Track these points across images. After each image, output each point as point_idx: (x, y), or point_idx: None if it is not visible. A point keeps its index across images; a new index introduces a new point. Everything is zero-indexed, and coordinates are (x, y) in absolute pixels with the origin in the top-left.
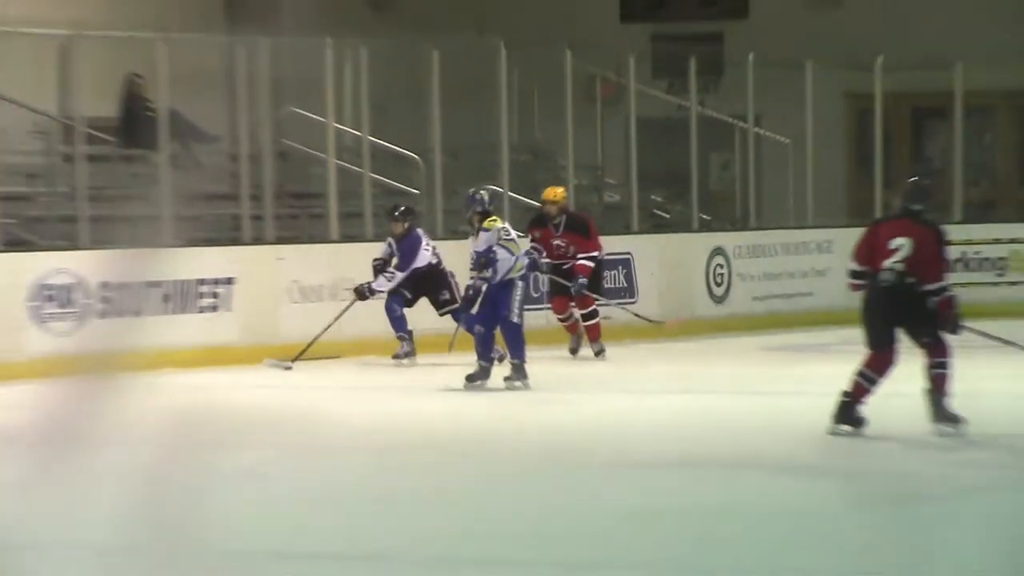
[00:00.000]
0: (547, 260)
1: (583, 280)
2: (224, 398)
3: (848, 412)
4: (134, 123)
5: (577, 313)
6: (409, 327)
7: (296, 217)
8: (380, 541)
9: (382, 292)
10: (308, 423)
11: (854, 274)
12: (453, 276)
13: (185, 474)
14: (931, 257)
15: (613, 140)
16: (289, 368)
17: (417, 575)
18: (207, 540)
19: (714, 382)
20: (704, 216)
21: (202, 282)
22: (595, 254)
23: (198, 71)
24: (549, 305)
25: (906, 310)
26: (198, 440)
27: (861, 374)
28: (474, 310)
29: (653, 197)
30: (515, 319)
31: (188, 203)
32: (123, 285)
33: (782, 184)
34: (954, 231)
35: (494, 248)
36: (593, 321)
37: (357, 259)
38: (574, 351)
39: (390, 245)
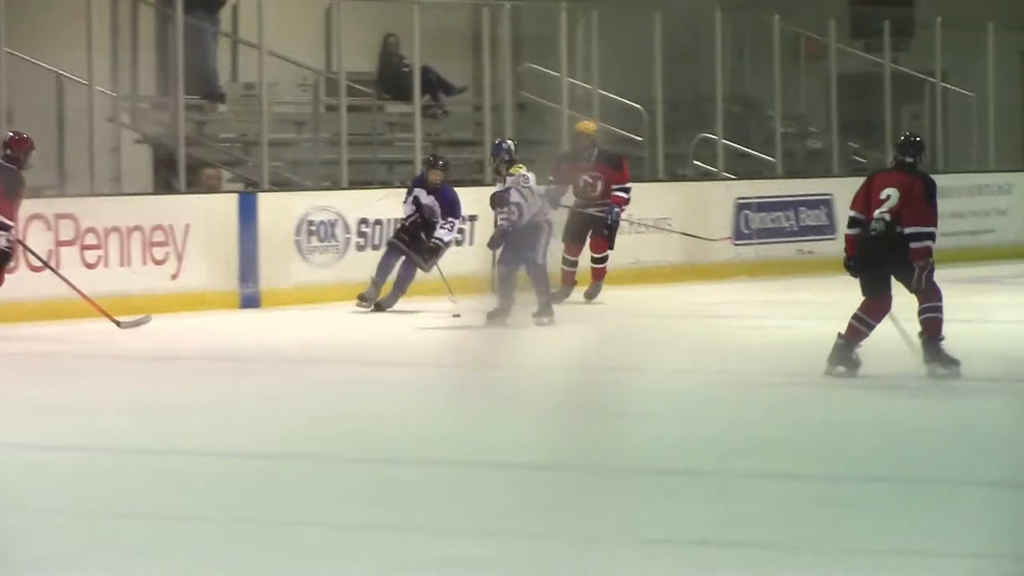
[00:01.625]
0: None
1: (618, 210)
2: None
3: (844, 354)
4: (390, 77)
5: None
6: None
7: (533, 161)
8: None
9: (449, 244)
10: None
11: (850, 221)
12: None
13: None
14: (917, 206)
15: (815, 93)
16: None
17: None
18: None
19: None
20: None
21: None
22: (629, 186)
23: (447, 32)
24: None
25: (895, 258)
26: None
27: (857, 318)
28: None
29: (851, 144)
30: (540, 260)
31: (437, 148)
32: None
33: (966, 133)
34: None
35: (511, 190)
36: (602, 265)
37: None
38: (557, 298)
39: (416, 201)
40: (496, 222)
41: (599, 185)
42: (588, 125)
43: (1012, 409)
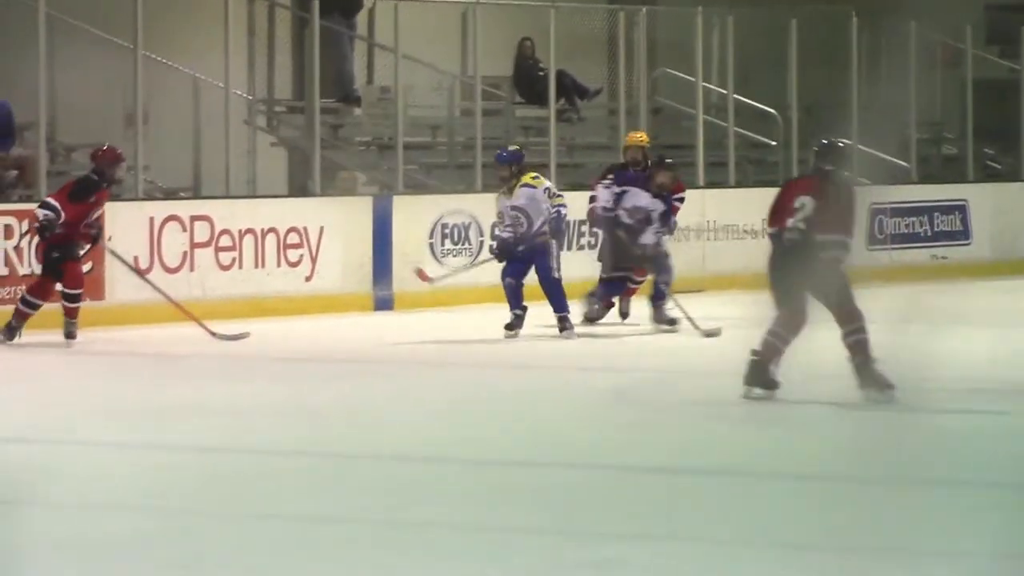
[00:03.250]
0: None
1: (675, 220)
2: None
3: (760, 373)
4: (525, 81)
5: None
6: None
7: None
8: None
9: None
10: None
11: (770, 236)
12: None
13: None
14: (831, 213)
15: (951, 99)
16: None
17: None
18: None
19: None
20: None
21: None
22: (683, 195)
23: (582, 36)
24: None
25: (808, 270)
26: None
27: (772, 333)
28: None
29: (986, 150)
30: (556, 275)
31: (572, 152)
32: None
33: None
34: None
35: (532, 199)
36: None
37: (720, 203)
38: (624, 314)
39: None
40: (495, 233)
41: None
42: (639, 135)
43: None
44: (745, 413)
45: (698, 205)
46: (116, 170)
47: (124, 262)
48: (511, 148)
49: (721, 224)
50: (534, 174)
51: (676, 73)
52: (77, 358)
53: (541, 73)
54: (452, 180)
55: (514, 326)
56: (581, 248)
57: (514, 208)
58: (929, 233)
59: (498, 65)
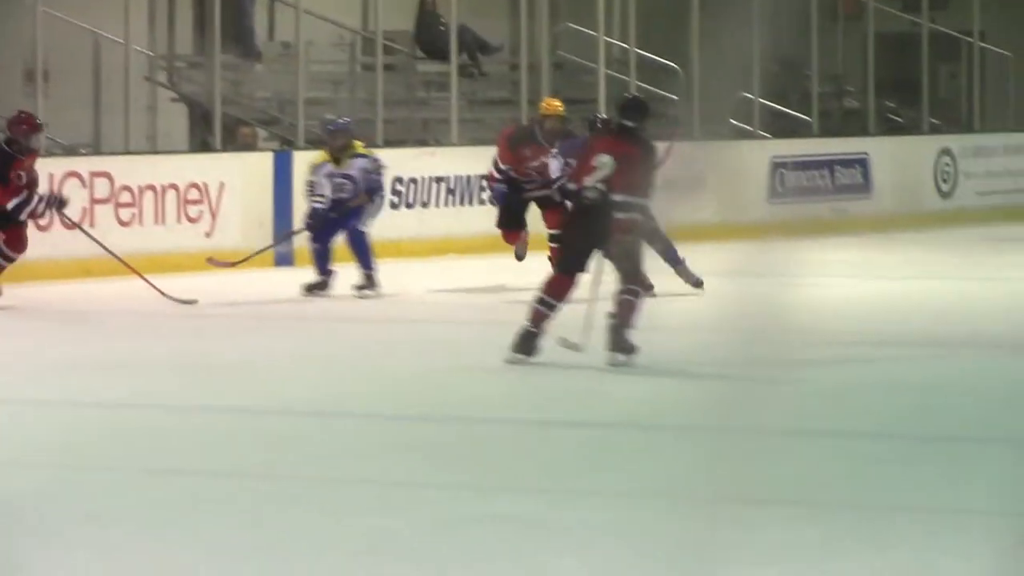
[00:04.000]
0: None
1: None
2: None
3: (527, 341)
4: (427, 36)
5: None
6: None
7: (569, 121)
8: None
9: None
10: None
11: (570, 193)
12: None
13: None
14: (631, 175)
15: (853, 53)
16: None
17: None
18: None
19: (941, 268)
20: (933, 120)
21: (483, 177)
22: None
23: None
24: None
25: (605, 231)
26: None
27: (540, 300)
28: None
29: (888, 103)
30: (362, 227)
31: (473, 107)
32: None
33: (1003, 92)
34: None
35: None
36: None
37: None
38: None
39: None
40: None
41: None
42: (556, 104)
43: None
44: (638, 367)
45: None
46: (32, 140)
47: (72, 222)
48: (343, 119)
49: None
50: (361, 144)
51: (578, 28)
52: None
53: (443, 28)
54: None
55: (317, 288)
56: (482, 203)
57: (345, 176)
58: (830, 186)
59: (400, 20)
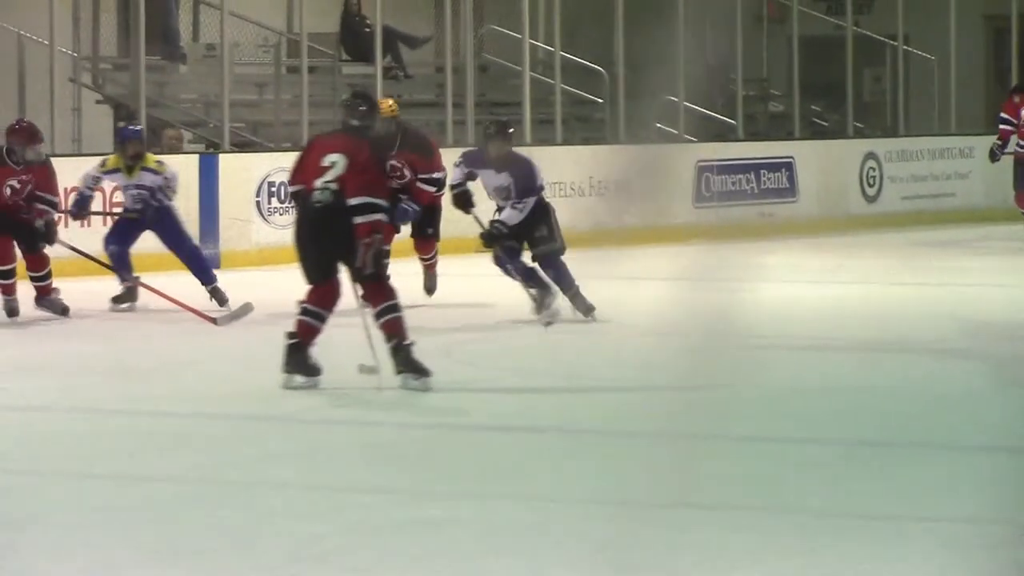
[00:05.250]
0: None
1: (415, 208)
2: None
3: (298, 358)
4: (352, 38)
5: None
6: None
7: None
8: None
9: None
10: None
11: (292, 197)
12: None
13: None
14: (366, 174)
15: (777, 56)
16: None
17: None
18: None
19: (865, 273)
20: (858, 124)
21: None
22: (437, 176)
23: None
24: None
25: (341, 237)
26: None
27: (304, 311)
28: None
29: (813, 107)
30: (193, 242)
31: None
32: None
33: (928, 96)
34: None
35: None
36: (430, 261)
37: (548, 162)
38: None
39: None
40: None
41: (406, 174)
42: (388, 102)
43: (981, 372)
44: (573, 375)
45: None
46: (29, 151)
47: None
48: (137, 126)
49: (548, 181)
50: (154, 157)
51: (502, 30)
52: None
53: (368, 29)
54: (279, 138)
55: (124, 299)
56: None
57: (139, 186)
58: (756, 190)
59: (324, 22)
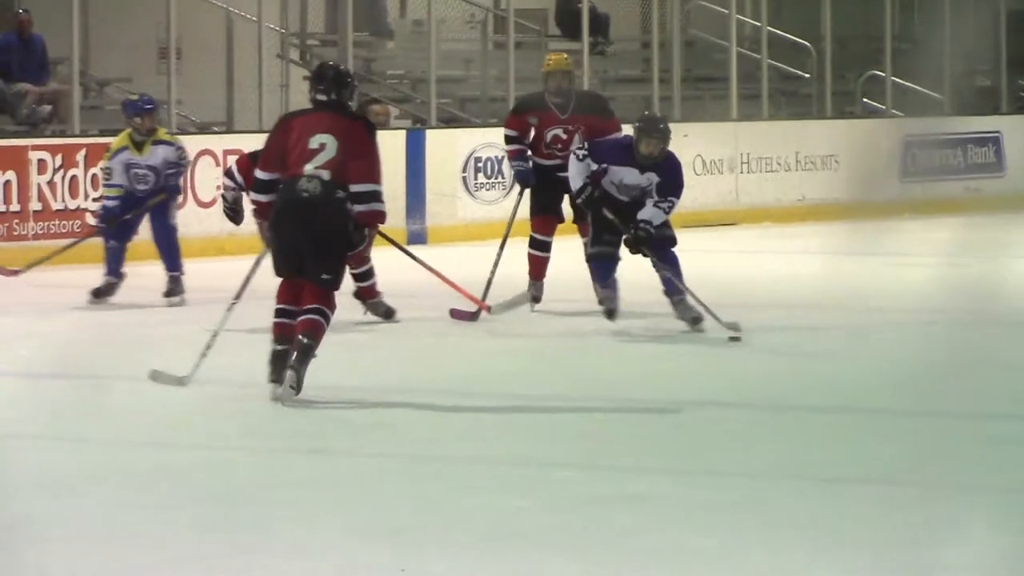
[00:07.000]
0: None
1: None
2: None
3: (283, 365)
4: (567, 14)
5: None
6: None
7: (700, 99)
8: None
9: None
10: None
11: (259, 186)
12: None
13: None
14: (363, 158)
15: (985, 30)
16: None
17: None
18: None
19: None
20: None
21: None
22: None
23: None
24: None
25: (320, 231)
26: None
27: (280, 312)
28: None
29: (1020, 82)
30: (172, 222)
31: (605, 85)
32: None
33: None
34: None
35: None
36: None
37: (753, 136)
38: (536, 299)
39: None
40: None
41: (577, 140)
42: (561, 57)
43: None
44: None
45: (731, 138)
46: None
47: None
48: (149, 98)
49: (754, 157)
50: (165, 130)
51: (709, 5)
52: None
53: (579, 5)
54: (485, 114)
55: (104, 293)
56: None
57: (147, 166)
58: (963, 165)
59: None
